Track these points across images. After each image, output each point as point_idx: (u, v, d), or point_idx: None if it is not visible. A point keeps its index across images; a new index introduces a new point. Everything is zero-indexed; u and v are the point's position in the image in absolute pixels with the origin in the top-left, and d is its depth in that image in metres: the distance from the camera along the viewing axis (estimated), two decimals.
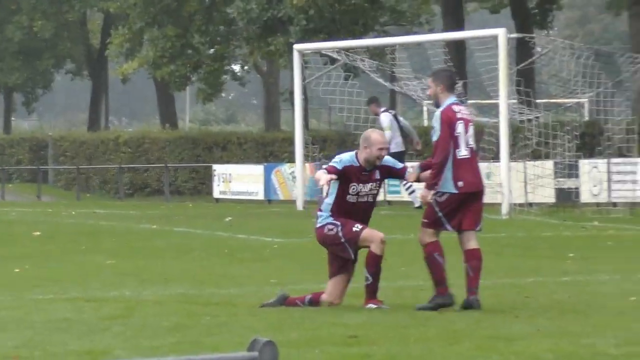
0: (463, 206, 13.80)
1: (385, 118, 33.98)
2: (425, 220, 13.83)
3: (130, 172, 53.86)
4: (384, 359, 9.83)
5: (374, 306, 13.59)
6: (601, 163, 33.99)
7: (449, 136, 13.70)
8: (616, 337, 10.76)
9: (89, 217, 30.14)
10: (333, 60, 39.14)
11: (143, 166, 53.46)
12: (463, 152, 13.59)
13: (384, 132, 33.36)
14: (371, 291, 13.75)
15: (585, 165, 34.51)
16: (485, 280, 14.12)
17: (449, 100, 13.83)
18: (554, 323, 12.29)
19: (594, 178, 34.16)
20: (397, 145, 33.22)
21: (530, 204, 34.16)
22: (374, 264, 13.74)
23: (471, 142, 13.95)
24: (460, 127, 13.70)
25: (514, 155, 33.77)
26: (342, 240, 13.78)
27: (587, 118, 42.68)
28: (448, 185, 13.62)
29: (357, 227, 13.62)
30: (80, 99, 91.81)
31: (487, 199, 25.36)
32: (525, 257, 20.27)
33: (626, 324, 11.81)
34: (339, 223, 13.80)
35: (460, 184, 13.58)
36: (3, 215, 37.47)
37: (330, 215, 13.89)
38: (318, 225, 14.14)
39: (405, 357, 9.91)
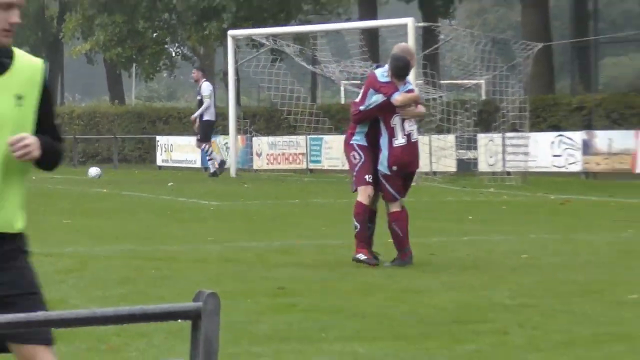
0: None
1: (207, 87, 33.74)
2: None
3: (83, 142, 53.56)
4: (307, 308, 9.92)
5: (361, 257, 12.79)
6: (497, 137, 34.13)
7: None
8: (510, 290, 10.88)
9: (46, 181, 29.70)
10: (262, 45, 39.20)
11: (94, 137, 53.13)
12: (400, 140, 13.15)
13: (204, 99, 32.95)
14: (359, 240, 12.99)
15: (482, 138, 34.78)
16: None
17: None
18: (455, 277, 12.36)
19: (490, 150, 34.44)
20: (211, 115, 33.50)
21: (435, 173, 34.32)
22: (358, 212, 13.03)
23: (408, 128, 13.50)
24: (396, 118, 13.24)
25: (421, 130, 32.17)
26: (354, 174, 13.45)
27: (484, 97, 43.01)
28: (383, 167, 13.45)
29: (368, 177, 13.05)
30: None
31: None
32: (430, 219, 20.18)
33: (519, 279, 11.92)
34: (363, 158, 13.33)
35: (394, 168, 13.24)
36: None
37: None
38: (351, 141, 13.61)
39: (326, 306, 10.03)
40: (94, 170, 35.40)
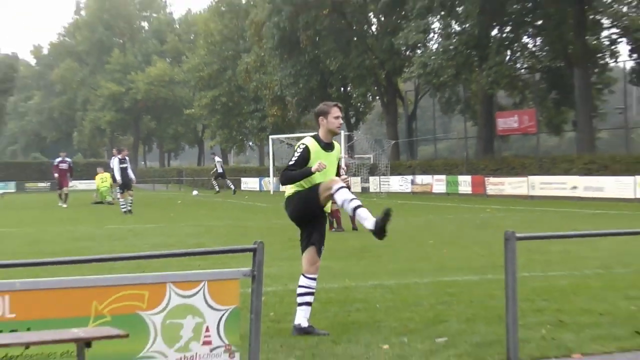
0: None
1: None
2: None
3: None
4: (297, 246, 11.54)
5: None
6: (376, 177, 63.83)
7: None
8: None
9: (197, 196, 37.86)
10: (281, 142, 69.66)
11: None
12: None
13: None
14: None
15: (371, 178, 62.62)
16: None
17: None
18: (360, 235, 15.64)
19: (374, 183, 61.90)
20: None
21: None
22: None
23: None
24: None
25: (347, 174, 59.57)
26: None
27: (371, 162, 65.92)
28: None
29: None
30: None
31: None
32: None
33: None
34: None
35: None
36: (166, 195, 51.54)
37: None
38: None
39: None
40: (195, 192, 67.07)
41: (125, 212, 35.19)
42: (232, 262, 14.08)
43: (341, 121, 9.80)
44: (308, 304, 9.69)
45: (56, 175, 44.57)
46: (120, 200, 36.55)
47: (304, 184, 9.57)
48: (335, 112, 9.78)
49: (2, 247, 20.82)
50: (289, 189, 9.70)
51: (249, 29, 78.83)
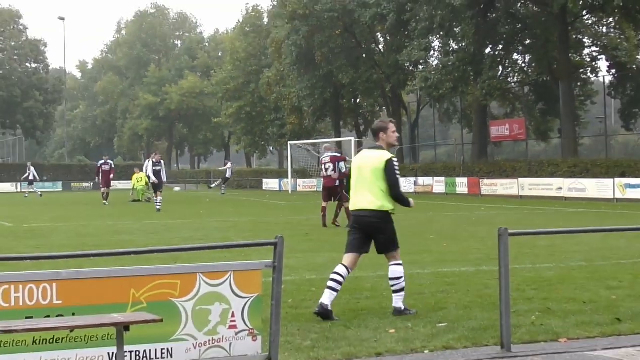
0: None
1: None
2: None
3: (237, 181, 75.53)
4: (317, 239, 12.02)
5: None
6: None
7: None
8: None
9: (224, 195, 41.95)
10: (299, 147, 71.43)
11: (241, 179, 77.98)
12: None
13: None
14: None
15: None
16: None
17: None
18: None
19: None
20: None
21: None
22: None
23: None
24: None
25: None
26: None
27: None
28: None
29: None
30: None
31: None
32: None
33: None
34: None
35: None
36: (196, 194, 48.77)
37: None
38: None
39: (331, 240, 11.15)
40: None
41: (158, 210, 34.89)
42: (254, 254, 14.05)
43: (397, 135, 9.96)
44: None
45: (99, 175, 44.33)
46: (155, 199, 36.37)
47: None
48: (392, 127, 9.95)
49: (50, 240, 20.85)
50: (389, 205, 9.71)
51: (270, 47, 79.03)
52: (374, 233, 9.75)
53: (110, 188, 44.25)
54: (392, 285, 9.77)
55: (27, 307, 6.30)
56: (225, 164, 60.28)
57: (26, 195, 60.17)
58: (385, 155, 9.77)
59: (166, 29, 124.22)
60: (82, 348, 6.46)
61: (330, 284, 9.56)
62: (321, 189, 25.02)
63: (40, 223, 27.99)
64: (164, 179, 36.08)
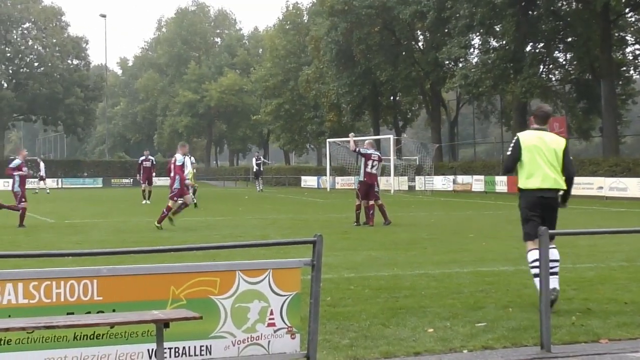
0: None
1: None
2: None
3: (275, 178, 78.21)
4: (355, 238, 12.50)
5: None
6: (422, 177, 58.24)
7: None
8: (427, 232, 14.28)
9: (263, 192, 41.50)
10: (337, 144, 72.55)
11: (279, 176, 79.72)
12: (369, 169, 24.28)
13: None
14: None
15: (417, 177, 59.42)
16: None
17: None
18: (408, 228, 15.54)
19: (419, 182, 58.45)
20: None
21: (400, 190, 54.80)
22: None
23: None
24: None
25: (395, 174, 56.39)
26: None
27: (417, 163, 61.69)
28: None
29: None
30: None
31: (387, 188, 53.94)
32: (398, 206, 32.05)
33: (430, 228, 14.67)
34: None
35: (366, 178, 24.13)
36: (234, 191, 52.36)
37: None
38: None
39: (368, 238, 12.59)
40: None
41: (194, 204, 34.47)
42: (293, 251, 14.12)
43: None
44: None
45: (140, 172, 42.19)
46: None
47: None
48: None
49: (90, 236, 21.02)
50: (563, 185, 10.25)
51: (309, 44, 79.15)
52: (549, 213, 10.02)
53: (152, 185, 42.22)
54: (553, 267, 9.58)
55: (68, 303, 6.35)
56: (259, 157, 59.63)
57: (36, 191, 57.82)
58: (562, 138, 10.27)
59: (206, 27, 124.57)
60: (122, 344, 6.51)
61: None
62: (358, 186, 24.58)
63: (81, 219, 28.22)
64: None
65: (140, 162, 42.50)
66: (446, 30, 60.45)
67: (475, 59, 60.99)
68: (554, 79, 61.63)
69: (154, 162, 43.49)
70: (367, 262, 14.83)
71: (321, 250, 7.17)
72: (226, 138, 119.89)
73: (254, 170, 57.13)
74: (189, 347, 6.73)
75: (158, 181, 73.67)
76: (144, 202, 39.93)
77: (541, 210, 9.95)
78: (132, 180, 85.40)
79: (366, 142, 25.51)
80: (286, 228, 23.36)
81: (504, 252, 16.31)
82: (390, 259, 15.24)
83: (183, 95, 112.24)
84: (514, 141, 10.22)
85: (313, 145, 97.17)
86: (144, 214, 31.47)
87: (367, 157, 24.10)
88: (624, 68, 57.26)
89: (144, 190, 41.49)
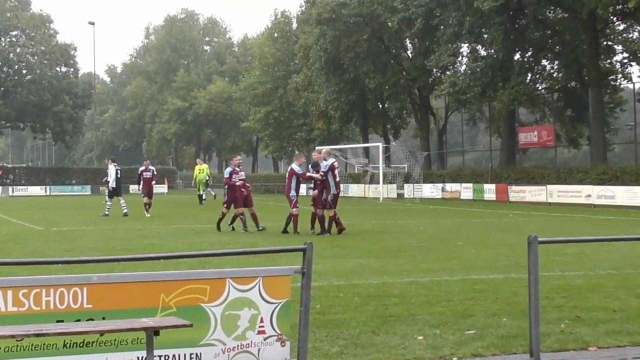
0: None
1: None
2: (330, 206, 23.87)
3: (264, 186, 78.85)
4: (345, 246, 12.51)
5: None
6: (410, 185, 59.15)
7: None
8: (416, 240, 14.37)
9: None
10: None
11: (268, 183, 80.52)
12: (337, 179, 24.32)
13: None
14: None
15: (406, 185, 59.58)
16: (375, 222, 20.89)
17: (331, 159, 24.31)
18: (397, 236, 15.54)
19: (408, 189, 58.41)
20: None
21: (389, 198, 54.96)
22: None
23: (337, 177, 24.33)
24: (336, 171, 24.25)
25: (384, 182, 56.66)
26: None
27: (406, 171, 63.20)
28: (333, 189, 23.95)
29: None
30: None
31: (375, 195, 58.16)
32: (387, 214, 30.44)
33: (419, 236, 15.57)
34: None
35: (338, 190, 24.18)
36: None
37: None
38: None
39: (355, 246, 12.64)
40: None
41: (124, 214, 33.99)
42: (282, 259, 14.11)
43: None
44: None
45: (140, 184, 37.41)
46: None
47: None
48: None
49: (80, 243, 20.95)
50: None
51: (298, 52, 79.16)
52: None
53: (152, 198, 37.24)
54: None
55: (58, 311, 6.35)
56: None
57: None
58: None
59: (195, 34, 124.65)
60: (112, 352, 6.51)
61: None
62: (331, 197, 24.04)
63: (69, 226, 28.13)
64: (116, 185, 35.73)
65: (139, 172, 37.76)
66: (435, 39, 60.56)
67: (464, 67, 61.18)
68: (541, 87, 61.78)
69: (155, 172, 38.30)
70: (357, 269, 14.82)
71: (311, 258, 7.15)
72: (215, 145, 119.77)
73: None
74: (179, 355, 6.73)
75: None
76: (147, 215, 35.52)
77: None
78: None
79: (323, 151, 25.56)
80: (275, 235, 23.33)
81: (492, 260, 16.32)
82: (379, 266, 15.23)
83: (172, 102, 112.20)
84: None
85: (302, 153, 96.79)
86: (132, 221, 31.40)
87: (333, 168, 24.13)
88: (612, 77, 57.47)
89: (145, 205, 36.62)
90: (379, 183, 57.02)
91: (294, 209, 23.70)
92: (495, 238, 22.08)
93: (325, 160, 24.43)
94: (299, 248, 7.19)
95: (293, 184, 24.38)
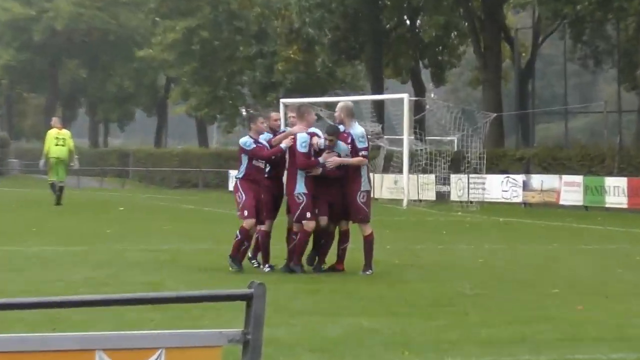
0: None
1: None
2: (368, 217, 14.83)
3: (179, 173, 64.70)
4: (328, 291, 13.00)
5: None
6: (463, 177, 41.11)
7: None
8: (470, 282, 13.76)
9: (152, 199, 41.01)
10: None
11: (187, 169, 63.55)
12: None
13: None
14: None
15: (453, 177, 42.40)
16: (391, 246, 19.00)
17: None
18: (432, 274, 15.51)
19: (458, 185, 41.91)
20: None
21: (420, 200, 40.61)
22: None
23: None
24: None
25: (411, 170, 40.38)
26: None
27: (455, 149, 46.88)
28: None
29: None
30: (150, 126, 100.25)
31: (394, 195, 41.67)
32: (416, 231, 25.09)
33: (476, 275, 15.13)
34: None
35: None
36: (100, 196, 45.45)
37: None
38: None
39: (341, 290, 13.38)
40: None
41: None
42: (208, 314, 10.40)
43: None
44: None
45: None
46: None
47: None
48: None
49: None
50: None
51: None
52: None
53: None
54: None
55: None
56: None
57: None
58: None
59: None
60: None
61: None
62: (360, 195, 15.76)
63: None
64: None
65: None
66: None
67: None
68: None
69: None
70: (352, 338, 9.84)
71: (262, 314, 4.25)
72: (85, 94, 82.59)
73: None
74: None
75: None
76: None
77: None
78: None
79: (340, 106, 15.88)
80: (194, 267, 15.86)
81: (617, 325, 10.81)
82: (395, 333, 10.15)
83: (3, 8, 73.44)
84: None
85: (252, 112, 76.17)
86: None
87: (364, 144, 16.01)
88: None
89: None
90: (401, 172, 40.72)
91: (304, 222, 14.99)
92: (625, 282, 15.56)
93: (344, 124, 15.11)
94: (237, 293, 4.21)
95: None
